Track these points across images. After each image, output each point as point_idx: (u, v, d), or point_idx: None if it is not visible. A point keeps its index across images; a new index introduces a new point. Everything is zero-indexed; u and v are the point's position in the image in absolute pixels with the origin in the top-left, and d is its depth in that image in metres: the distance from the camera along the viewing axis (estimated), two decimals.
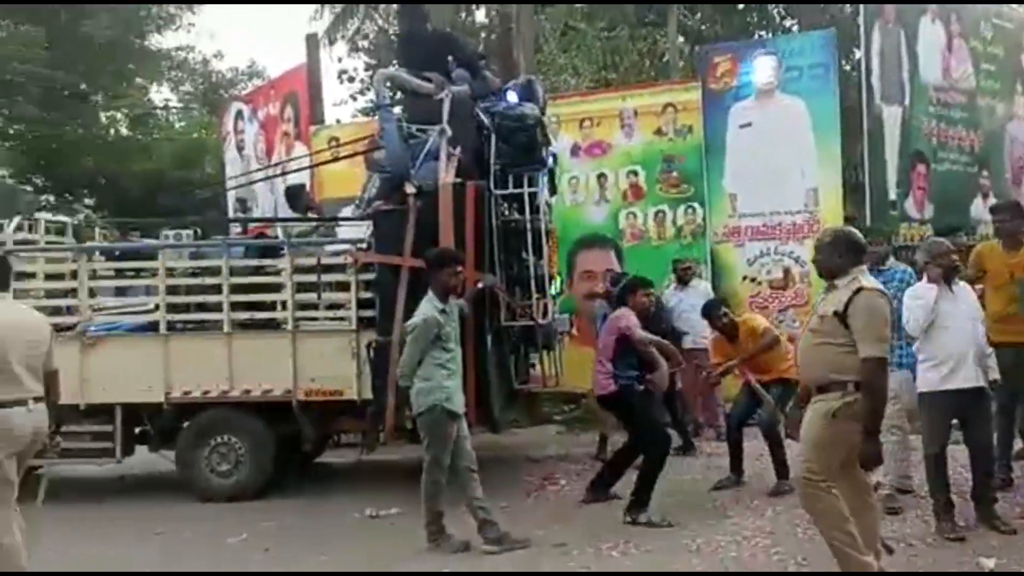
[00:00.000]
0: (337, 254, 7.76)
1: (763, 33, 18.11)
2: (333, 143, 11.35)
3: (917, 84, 11.04)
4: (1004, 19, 12.27)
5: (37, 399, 4.74)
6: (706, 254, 10.38)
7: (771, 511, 6.16)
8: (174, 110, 25.10)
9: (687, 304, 9.12)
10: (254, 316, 7.67)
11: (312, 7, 19.57)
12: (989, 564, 4.86)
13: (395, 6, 17.88)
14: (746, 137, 10.42)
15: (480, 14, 19.83)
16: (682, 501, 6.62)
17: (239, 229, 10.26)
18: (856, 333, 4.22)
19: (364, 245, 7.45)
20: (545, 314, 7.58)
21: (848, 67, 15.20)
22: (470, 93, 7.52)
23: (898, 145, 10.85)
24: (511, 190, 7.51)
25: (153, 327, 7.66)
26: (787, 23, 18.54)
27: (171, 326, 7.63)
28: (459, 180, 6.92)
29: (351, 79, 20.80)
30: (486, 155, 7.40)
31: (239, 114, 13.91)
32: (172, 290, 7.71)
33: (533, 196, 7.56)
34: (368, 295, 7.32)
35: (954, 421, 5.55)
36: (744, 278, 10.42)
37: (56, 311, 7.80)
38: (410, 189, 6.95)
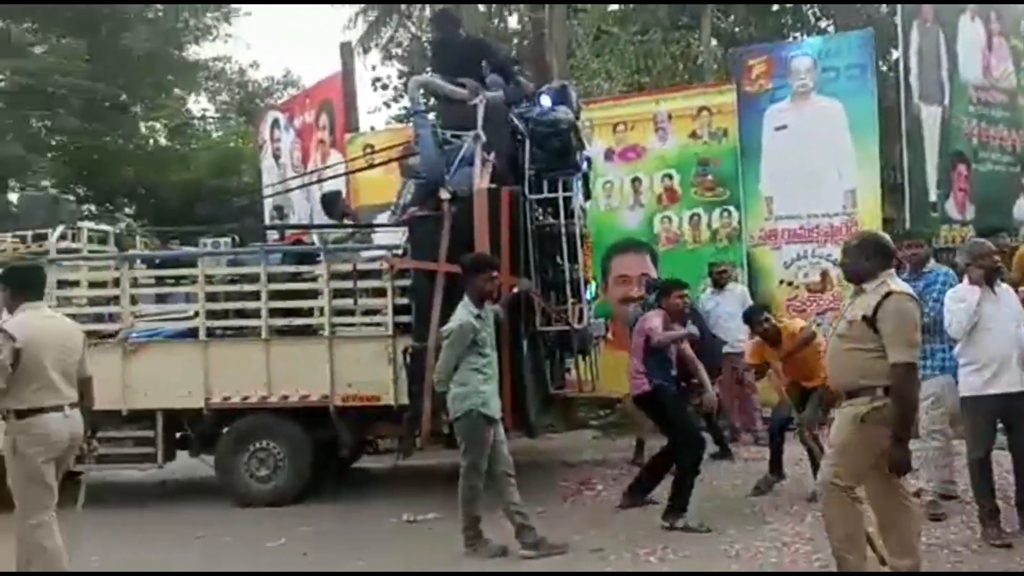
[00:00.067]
0: (373, 260, 7.80)
1: (797, 35, 17.94)
2: (368, 150, 11.43)
3: (957, 83, 10.87)
4: None
5: (72, 405, 4.85)
6: (742, 257, 10.29)
7: (811, 516, 6.07)
8: (211, 120, 25.45)
9: (723, 309, 9.07)
10: (291, 322, 7.74)
11: (346, 16, 19.76)
12: None
13: (428, 14, 18.02)
14: (782, 139, 10.32)
15: (513, 20, 19.86)
16: (720, 506, 6.57)
17: (276, 236, 10.36)
18: (885, 338, 4.16)
19: (400, 251, 7.50)
20: (580, 319, 7.57)
21: (885, 67, 15.01)
22: (504, 98, 7.52)
23: (938, 145, 10.68)
24: (546, 195, 7.51)
25: (193, 333, 7.74)
26: (822, 24, 18.35)
27: (210, 332, 7.72)
28: (494, 185, 6.93)
29: (385, 87, 20.91)
30: (520, 160, 7.40)
31: (275, 123, 14.06)
32: (211, 297, 7.79)
33: (568, 201, 7.55)
34: (404, 301, 7.36)
35: (999, 425, 5.46)
36: (781, 281, 10.31)
37: (99, 318, 7.95)
38: (445, 195, 6.98)
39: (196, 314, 7.77)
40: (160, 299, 8.41)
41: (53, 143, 20.54)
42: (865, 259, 4.39)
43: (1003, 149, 11.35)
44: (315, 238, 9.03)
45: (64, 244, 8.14)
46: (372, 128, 15.51)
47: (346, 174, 10.94)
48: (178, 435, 7.96)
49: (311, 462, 7.63)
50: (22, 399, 4.68)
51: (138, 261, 8.40)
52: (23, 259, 7.42)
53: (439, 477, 7.64)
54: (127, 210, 21.15)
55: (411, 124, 8.42)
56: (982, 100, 11.14)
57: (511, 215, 6.86)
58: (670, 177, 10.60)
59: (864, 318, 4.23)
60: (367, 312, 7.68)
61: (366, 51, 19.50)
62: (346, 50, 14.10)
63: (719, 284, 9.38)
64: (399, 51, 20.90)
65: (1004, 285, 5.55)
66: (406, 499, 7.31)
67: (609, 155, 10.78)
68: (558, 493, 7.41)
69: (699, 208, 10.50)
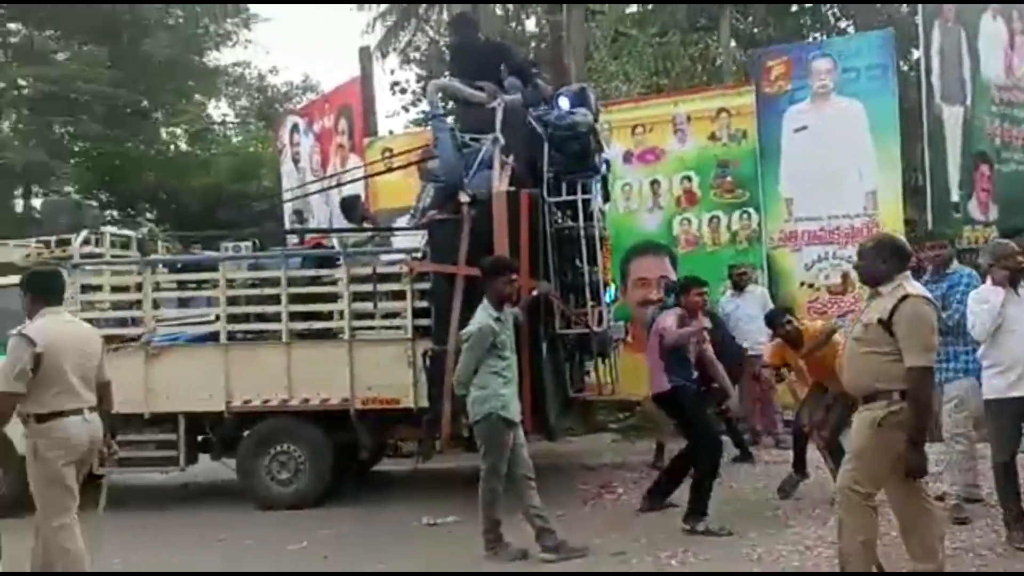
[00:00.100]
0: (392, 264, 7.84)
1: (817, 35, 17.86)
2: (387, 154, 11.45)
3: (979, 83, 10.78)
4: None
5: (92, 409, 4.89)
6: (762, 259, 10.24)
7: (834, 520, 6.01)
8: (231, 125, 25.66)
9: (743, 312, 9.04)
10: (311, 326, 7.77)
11: (364, 21, 19.87)
12: None
13: (446, 18, 18.06)
14: (801, 140, 10.27)
15: (530, 23, 19.92)
16: (740, 509, 6.54)
17: (296, 240, 10.41)
18: (901, 341, 4.13)
19: (419, 254, 7.52)
20: (600, 321, 7.56)
21: (906, 67, 14.90)
22: (522, 101, 7.54)
23: (960, 146, 10.60)
24: (565, 197, 7.52)
25: (214, 337, 7.79)
26: (842, 24, 18.26)
27: (231, 336, 7.76)
28: (513, 188, 6.93)
29: (403, 91, 21.00)
30: (539, 163, 7.40)
31: (295, 127, 14.13)
32: (232, 301, 7.82)
33: (587, 203, 7.55)
34: (424, 304, 7.37)
35: None
36: (802, 284, 10.26)
37: (122, 322, 8.01)
38: (464, 198, 6.99)
39: (217, 318, 7.81)
40: (182, 303, 8.47)
41: (76, 149, 20.78)
42: (881, 262, 4.35)
43: None
44: (335, 242, 9.05)
45: (87, 249, 8.21)
46: (391, 132, 15.55)
47: (365, 178, 10.97)
48: (200, 438, 8.01)
49: (331, 465, 7.65)
50: (42, 403, 4.73)
51: (160, 265, 8.44)
52: (46, 264, 7.49)
53: (459, 480, 7.65)
54: (149, 215, 21.34)
55: (430, 128, 8.43)
56: (1004, 100, 11.04)
57: (530, 218, 6.85)
58: (689, 179, 10.58)
59: (880, 321, 4.20)
60: (387, 315, 7.69)
61: (384, 55, 19.63)
62: (364, 55, 14.13)
63: (739, 286, 9.34)
64: (417, 55, 21.01)
65: None
66: (426, 502, 7.31)
67: (628, 157, 10.77)
68: (578, 496, 7.40)
69: (718, 210, 10.47)
